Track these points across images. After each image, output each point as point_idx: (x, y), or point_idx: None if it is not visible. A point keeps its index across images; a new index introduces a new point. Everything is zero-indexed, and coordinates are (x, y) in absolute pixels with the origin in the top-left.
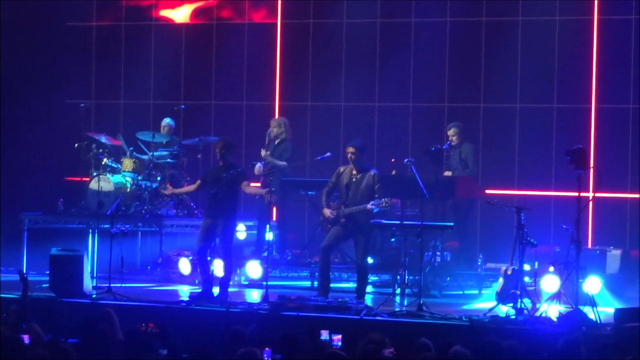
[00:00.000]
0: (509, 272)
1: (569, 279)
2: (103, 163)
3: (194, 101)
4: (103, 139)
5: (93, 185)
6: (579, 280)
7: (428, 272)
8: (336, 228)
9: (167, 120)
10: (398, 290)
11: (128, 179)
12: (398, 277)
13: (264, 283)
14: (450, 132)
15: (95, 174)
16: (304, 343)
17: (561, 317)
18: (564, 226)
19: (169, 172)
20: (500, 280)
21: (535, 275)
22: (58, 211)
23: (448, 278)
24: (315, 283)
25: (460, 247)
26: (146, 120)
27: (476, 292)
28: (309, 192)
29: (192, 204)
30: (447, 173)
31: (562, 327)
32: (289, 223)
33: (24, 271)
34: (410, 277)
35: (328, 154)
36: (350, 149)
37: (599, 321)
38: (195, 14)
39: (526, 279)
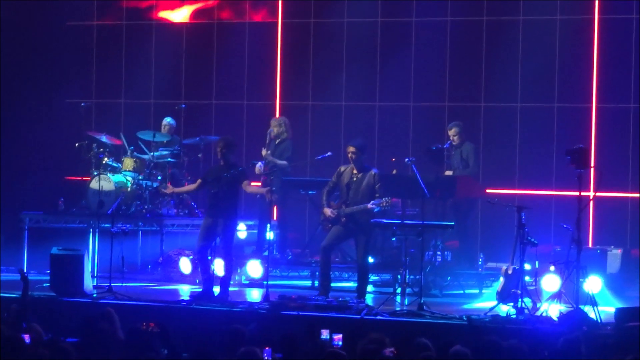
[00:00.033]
0: (510, 272)
1: (569, 279)
2: (104, 162)
3: (194, 100)
4: (104, 139)
5: (94, 184)
6: (579, 279)
7: (429, 271)
8: (337, 227)
9: (167, 120)
10: (399, 290)
11: (129, 178)
12: (399, 276)
13: (265, 282)
14: (451, 131)
15: (95, 173)
16: (304, 342)
17: (562, 316)
18: (565, 225)
19: (170, 171)
20: (501, 279)
21: (536, 274)
22: (59, 210)
23: (449, 277)
24: (316, 282)
25: (460, 247)
26: (147, 119)
27: (477, 291)
28: (310, 192)
29: (192, 204)
30: (448, 172)
31: (563, 326)
32: (290, 222)
33: (25, 270)
34: (411, 277)
35: (328, 153)
36: (351, 149)
37: (599, 321)
38: (195, 15)
39: (527, 278)
